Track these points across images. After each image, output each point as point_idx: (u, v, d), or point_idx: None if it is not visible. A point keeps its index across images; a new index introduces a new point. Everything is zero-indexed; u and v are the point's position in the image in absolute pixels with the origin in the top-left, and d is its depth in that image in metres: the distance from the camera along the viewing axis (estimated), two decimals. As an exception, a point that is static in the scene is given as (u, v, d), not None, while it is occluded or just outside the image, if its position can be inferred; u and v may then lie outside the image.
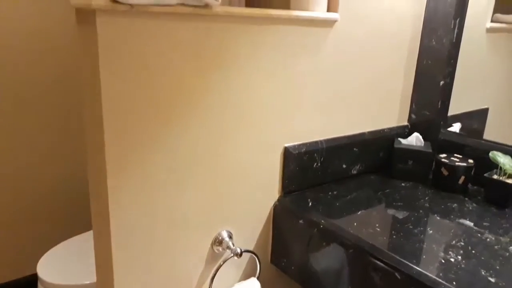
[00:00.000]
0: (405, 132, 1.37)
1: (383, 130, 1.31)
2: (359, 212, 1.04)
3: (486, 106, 1.24)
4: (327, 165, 1.18)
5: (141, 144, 0.85)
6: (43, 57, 1.85)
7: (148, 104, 0.84)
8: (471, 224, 0.99)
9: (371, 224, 0.97)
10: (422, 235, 0.93)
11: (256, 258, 1.09)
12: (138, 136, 0.84)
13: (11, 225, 1.94)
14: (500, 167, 1.10)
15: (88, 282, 1.44)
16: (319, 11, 1.04)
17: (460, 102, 1.29)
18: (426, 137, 1.31)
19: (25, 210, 1.97)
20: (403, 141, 1.30)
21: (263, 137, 1.04)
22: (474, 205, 1.10)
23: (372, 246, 0.88)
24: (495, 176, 1.10)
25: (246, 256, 1.11)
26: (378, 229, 0.95)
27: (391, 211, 1.05)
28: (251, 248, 1.11)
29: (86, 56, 0.80)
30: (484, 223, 0.99)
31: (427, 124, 1.34)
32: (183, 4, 0.81)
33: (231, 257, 1.02)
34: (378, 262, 0.85)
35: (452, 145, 1.27)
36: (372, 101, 1.26)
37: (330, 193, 1.14)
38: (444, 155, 1.23)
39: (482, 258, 0.84)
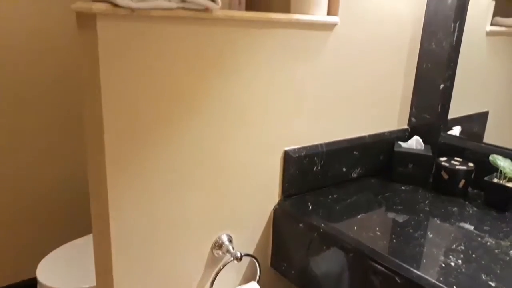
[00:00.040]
0: (405, 135, 1.37)
1: (383, 133, 1.31)
2: (359, 216, 1.04)
3: (486, 109, 1.24)
4: (327, 169, 1.17)
5: (142, 146, 0.85)
6: (43, 57, 1.85)
7: (149, 107, 0.84)
8: (471, 228, 0.99)
9: (371, 228, 0.97)
10: (422, 239, 0.93)
11: (256, 262, 1.09)
12: (138, 139, 0.84)
13: (11, 226, 1.93)
14: (500, 171, 1.09)
15: (87, 286, 1.43)
16: (319, 15, 1.04)
17: (460, 105, 1.29)
18: (426, 140, 1.31)
19: (25, 211, 1.96)
20: (403, 144, 1.30)
21: (263, 140, 1.04)
22: (474, 208, 1.10)
23: (372, 250, 0.88)
24: (495, 180, 1.10)
25: (246, 260, 1.11)
26: (378, 233, 0.95)
27: (391, 215, 1.05)
28: (251, 252, 1.11)
29: (87, 60, 0.80)
30: (484, 227, 0.99)
31: (427, 127, 1.34)
32: (183, 8, 0.81)
33: (231, 261, 1.02)
34: (378, 266, 0.85)
35: (452, 149, 1.27)
36: (372, 104, 1.26)
37: (330, 196, 1.14)
38: (444, 158, 1.23)
39: (483, 262, 0.84)
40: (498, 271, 0.81)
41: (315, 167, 1.15)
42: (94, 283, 1.37)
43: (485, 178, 1.11)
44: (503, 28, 1.19)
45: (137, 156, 0.85)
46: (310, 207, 1.07)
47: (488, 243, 0.92)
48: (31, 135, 1.90)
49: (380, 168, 1.32)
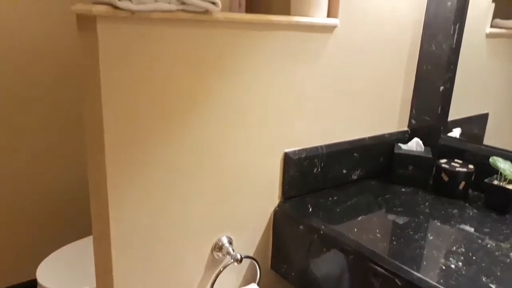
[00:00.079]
0: (405, 137, 1.37)
1: (383, 135, 1.31)
2: (360, 218, 1.04)
3: (486, 111, 1.24)
4: (327, 171, 1.17)
5: (142, 148, 0.85)
6: (43, 57, 1.85)
7: (149, 109, 0.84)
8: (472, 230, 0.99)
9: (371, 230, 0.97)
10: (423, 241, 0.93)
11: (256, 264, 1.08)
12: (138, 140, 0.84)
13: (10, 227, 1.93)
14: (501, 173, 1.09)
15: (87, 288, 1.43)
16: (319, 17, 1.04)
17: (460, 107, 1.29)
18: (426, 142, 1.31)
19: (25, 212, 1.96)
20: (403, 146, 1.30)
21: (263, 142, 1.04)
22: (475, 210, 1.09)
23: (373, 252, 0.88)
24: (495, 182, 1.10)
25: (246, 262, 1.11)
26: (379, 235, 0.95)
27: (391, 217, 1.05)
28: (251, 254, 1.11)
29: (87, 62, 0.80)
30: (485, 229, 0.99)
31: (427, 129, 1.34)
32: (183, 11, 0.81)
33: (231, 263, 1.02)
34: (379, 268, 0.85)
35: (452, 151, 1.27)
36: (372, 106, 1.26)
37: (330, 198, 1.14)
38: (444, 160, 1.23)
39: (483, 264, 0.84)
40: (499, 273, 0.81)
41: (315, 169, 1.15)
42: (94, 285, 1.37)
43: (485, 180, 1.11)
44: (503, 30, 1.19)
45: (137, 157, 0.85)
46: (310, 209, 1.07)
47: (489, 245, 0.92)
48: (31, 135, 1.90)
49: (380, 170, 1.32)
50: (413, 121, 1.38)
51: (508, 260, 0.86)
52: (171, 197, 0.92)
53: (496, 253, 0.89)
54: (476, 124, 1.26)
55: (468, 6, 1.22)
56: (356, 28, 1.13)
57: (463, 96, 1.27)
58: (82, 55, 0.81)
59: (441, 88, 1.29)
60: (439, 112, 1.30)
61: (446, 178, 1.17)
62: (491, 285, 0.78)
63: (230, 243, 1.05)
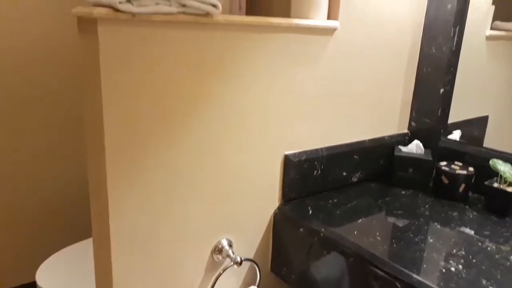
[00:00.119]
0: (405, 139, 1.37)
1: (383, 137, 1.31)
2: (360, 220, 1.04)
3: (486, 114, 1.24)
4: (327, 173, 1.17)
5: (142, 150, 0.85)
6: (43, 57, 1.85)
7: (149, 111, 0.84)
8: (472, 232, 0.99)
9: (371, 233, 0.97)
10: (423, 244, 0.93)
11: (256, 266, 1.08)
12: (139, 142, 0.84)
13: (10, 228, 1.93)
14: (501, 175, 1.09)
15: (87, 290, 1.43)
16: (319, 19, 1.04)
17: (460, 110, 1.29)
18: (426, 144, 1.31)
19: (24, 212, 1.95)
20: (403, 148, 1.30)
21: (263, 144, 1.04)
22: (475, 213, 1.09)
23: (373, 255, 0.88)
24: (495, 184, 1.10)
25: (246, 264, 1.11)
26: (379, 238, 0.95)
27: (391, 219, 1.05)
28: (251, 256, 1.11)
29: (88, 64, 0.80)
30: (485, 232, 0.99)
31: (427, 131, 1.34)
32: (184, 13, 0.82)
33: (231, 265, 1.02)
34: (379, 271, 0.85)
35: (452, 153, 1.27)
36: (372, 108, 1.26)
37: (330, 201, 1.14)
38: (444, 163, 1.23)
39: (483, 267, 0.84)
40: (499, 276, 0.81)
41: (315, 171, 1.15)
42: (93, 288, 1.37)
43: (486, 183, 1.11)
44: (503, 33, 1.19)
45: (137, 160, 0.85)
46: (310, 212, 1.07)
47: (489, 248, 0.92)
48: (31, 135, 1.90)
49: (380, 173, 1.32)
50: (413, 124, 1.38)
51: (508, 263, 0.86)
52: (171, 199, 0.92)
53: (496, 256, 0.89)
54: (476, 127, 1.26)
55: (468, 8, 1.22)
56: (356, 31, 1.13)
57: (463, 98, 1.28)
58: (83, 57, 0.81)
59: (441, 90, 1.29)
60: (439, 114, 1.30)
61: (446, 181, 1.17)
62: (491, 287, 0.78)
63: (230, 245, 1.04)
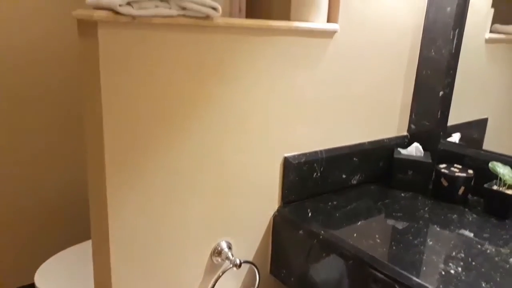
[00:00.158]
0: (405, 142, 1.37)
1: (382, 140, 1.31)
2: (359, 223, 1.04)
3: (485, 116, 1.25)
4: (327, 175, 1.18)
5: (142, 152, 0.85)
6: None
7: (149, 114, 0.84)
8: (471, 235, 0.99)
9: (371, 235, 0.97)
10: (422, 246, 0.93)
11: (255, 269, 1.08)
12: (139, 145, 0.84)
13: (9, 229, 1.92)
14: (500, 178, 1.09)
15: (86, 292, 1.43)
16: (319, 22, 1.05)
17: (459, 112, 1.29)
18: (426, 147, 1.32)
19: (24, 214, 1.95)
20: (402, 151, 1.30)
21: (263, 147, 1.04)
22: (474, 216, 1.09)
23: (372, 258, 0.88)
24: (494, 187, 1.10)
25: (245, 267, 1.11)
26: (378, 240, 0.95)
27: (391, 222, 1.05)
28: (250, 258, 1.11)
29: (88, 67, 0.80)
30: (484, 234, 0.99)
31: (427, 134, 1.34)
32: (184, 16, 0.82)
33: (230, 268, 1.02)
34: (378, 274, 0.85)
35: (452, 155, 1.27)
36: (372, 111, 1.26)
37: (330, 203, 1.14)
38: (443, 165, 1.23)
39: (483, 269, 0.84)
40: (498, 279, 0.81)
41: (315, 174, 1.15)
42: (93, 290, 1.37)
43: (485, 185, 1.11)
44: (502, 36, 1.19)
45: (137, 162, 0.85)
46: (310, 214, 1.07)
47: (488, 251, 0.92)
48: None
49: (380, 175, 1.32)
50: (412, 126, 1.38)
51: (508, 266, 0.86)
52: (171, 202, 0.92)
53: (496, 258, 0.89)
54: (475, 129, 1.27)
55: (467, 11, 1.23)
56: (356, 33, 1.13)
57: (463, 101, 1.28)
58: (83, 59, 0.82)
59: (441, 93, 1.29)
60: (439, 117, 1.31)
61: (445, 183, 1.17)
62: (490, 291, 0.78)
63: (229, 248, 1.04)
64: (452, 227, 1.03)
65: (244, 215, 1.06)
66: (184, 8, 0.81)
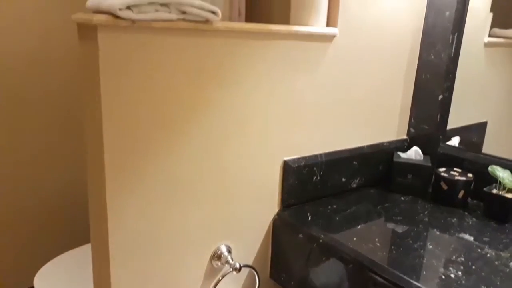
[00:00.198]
0: (404, 146, 1.38)
1: (382, 143, 1.31)
2: (359, 227, 1.03)
3: (484, 120, 1.25)
4: (326, 179, 1.17)
5: (142, 157, 0.85)
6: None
7: (149, 118, 0.84)
8: (471, 239, 0.99)
9: (370, 239, 0.97)
10: (422, 250, 0.93)
11: (255, 273, 1.08)
12: (138, 149, 0.84)
13: (8, 230, 1.92)
14: (500, 182, 1.09)
15: (86, 296, 1.42)
16: (319, 26, 1.05)
17: (458, 116, 1.29)
18: (425, 151, 1.32)
19: (24, 214, 1.94)
20: (402, 155, 1.30)
21: (263, 150, 1.04)
22: (474, 219, 1.09)
23: (372, 261, 0.88)
24: (494, 191, 1.10)
25: (245, 271, 1.11)
26: (378, 244, 0.95)
27: (390, 226, 1.05)
28: (250, 262, 1.11)
29: (88, 71, 0.80)
30: (484, 238, 0.99)
31: (426, 138, 1.34)
32: (184, 20, 0.82)
33: (230, 272, 1.02)
34: (378, 278, 0.85)
35: (451, 159, 1.27)
36: (371, 115, 1.26)
37: (329, 207, 1.14)
38: (443, 169, 1.23)
39: (483, 274, 0.84)
40: (498, 283, 0.81)
41: (315, 177, 1.15)
42: (92, 294, 1.36)
43: (485, 189, 1.11)
44: (501, 40, 1.20)
45: (137, 166, 0.85)
46: (310, 218, 1.07)
47: (488, 255, 0.92)
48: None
49: (380, 179, 1.32)
50: (412, 130, 1.38)
51: (508, 270, 0.86)
52: (171, 206, 0.92)
53: (496, 262, 0.89)
54: (475, 133, 1.27)
55: (466, 16, 1.23)
56: (355, 37, 1.14)
57: (462, 104, 1.28)
58: (83, 63, 0.82)
59: (440, 97, 1.30)
60: (438, 120, 1.31)
61: (445, 187, 1.17)
62: (491, 295, 0.77)
63: (229, 251, 1.04)
64: (452, 231, 1.03)
65: (244, 219, 1.06)
66: (184, 12, 0.81)
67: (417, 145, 1.32)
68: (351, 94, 1.18)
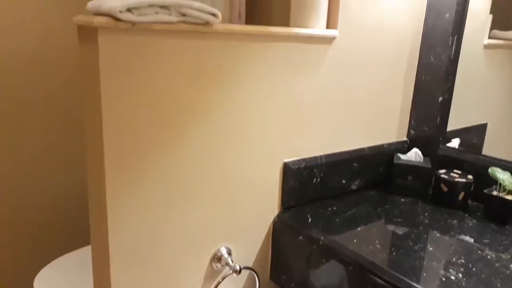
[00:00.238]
0: (404, 147, 1.38)
1: (382, 145, 1.31)
2: (359, 228, 1.03)
3: (484, 122, 1.25)
4: (326, 181, 1.17)
5: (142, 159, 0.85)
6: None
7: (149, 120, 0.84)
8: (471, 240, 0.99)
9: (371, 241, 0.97)
10: (422, 252, 0.93)
11: (255, 274, 1.08)
12: (139, 151, 0.84)
13: (9, 229, 1.91)
14: (500, 183, 1.09)
15: (86, 298, 1.42)
16: (319, 28, 1.05)
17: (458, 118, 1.29)
18: (425, 152, 1.32)
19: (24, 214, 1.94)
20: (402, 156, 1.30)
21: (263, 152, 1.04)
22: (474, 221, 1.09)
23: (372, 263, 0.87)
24: (494, 192, 1.10)
25: (245, 272, 1.10)
26: (378, 246, 0.95)
27: (390, 227, 1.05)
28: (250, 264, 1.11)
29: (88, 73, 0.80)
30: (484, 240, 0.99)
31: (426, 139, 1.34)
32: (184, 22, 0.82)
33: (230, 273, 1.02)
34: (378, 280, 0.85)
35: (451, 161, 1.27)
36: (372, 116, 1.26)
37: (329, 208, 1.14)
38: (443, 170, 1.23)
39: (483, 275, 0.84)
40: (499, 285, 0.81)
41: (315, 179, 1.15)
42: (92, 296, 1.36)
43: (485, 191, 1.11)
44: (501, 41, 1.20)
45: (137, 168, 0.85)
46: (310, 219, 1.07)
47: (488, 256, 0.91)
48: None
49: (380, 180, 1.32)
50: (412, 132, 1.38)
51: (508, 272, 0.86)
52: (171, 207, 0.92)
53: (496, 264, 0.89)
54: (475, 134, 1.27)
55: (466, 17, 1.23)
56: (355, 39, 1.14)
57: (462, 106, 1.28)
58: (83, 65, 0.82)
59: (440, 98, 1.30)
60: (438, 122, 1.31)
61: (445, 189, 1.17)
62: (491, 297, 0.77)
63: (229, 253, 1.04)
64: (452, 233, 1.02)
65: (244, 221, 1.06)
66: (184, 15, 0.81)
67: (417, 147, 1.32)
68: (351, 96, 1.18)
